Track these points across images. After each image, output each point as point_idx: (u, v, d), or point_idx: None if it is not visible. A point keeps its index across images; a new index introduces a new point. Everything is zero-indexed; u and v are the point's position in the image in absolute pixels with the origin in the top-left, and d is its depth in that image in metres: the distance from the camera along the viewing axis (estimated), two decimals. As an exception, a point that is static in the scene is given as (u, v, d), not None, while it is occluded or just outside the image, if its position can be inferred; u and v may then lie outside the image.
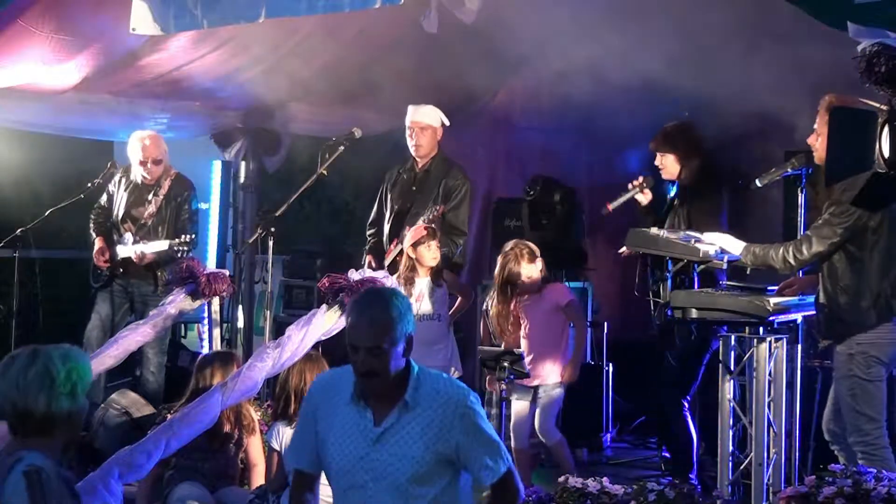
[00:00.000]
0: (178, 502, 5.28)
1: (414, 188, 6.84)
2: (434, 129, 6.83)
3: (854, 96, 4.71)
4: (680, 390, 5.96)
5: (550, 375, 6.06)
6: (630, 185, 6.16)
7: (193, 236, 7.07)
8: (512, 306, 6.12)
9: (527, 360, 5.88)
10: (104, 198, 7.49)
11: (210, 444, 5.42)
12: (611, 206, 6.12)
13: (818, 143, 4.94)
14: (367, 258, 6.91)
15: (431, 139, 6.84)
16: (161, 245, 7.04)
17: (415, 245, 6.26)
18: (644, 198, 6.17)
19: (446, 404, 3.45)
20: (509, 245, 6.17)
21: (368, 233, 7.07)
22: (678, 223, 6.01)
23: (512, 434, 6.06)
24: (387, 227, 6.86)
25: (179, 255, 6.96)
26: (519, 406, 6.12)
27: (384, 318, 3.42)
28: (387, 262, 6.61)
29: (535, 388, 6.08)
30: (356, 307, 3.50)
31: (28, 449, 3.30)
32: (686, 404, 5.97)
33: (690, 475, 5.74)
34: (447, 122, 6.90)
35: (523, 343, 6.13)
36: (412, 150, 6.86)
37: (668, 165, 6.13)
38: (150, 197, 7.29)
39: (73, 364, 3.36)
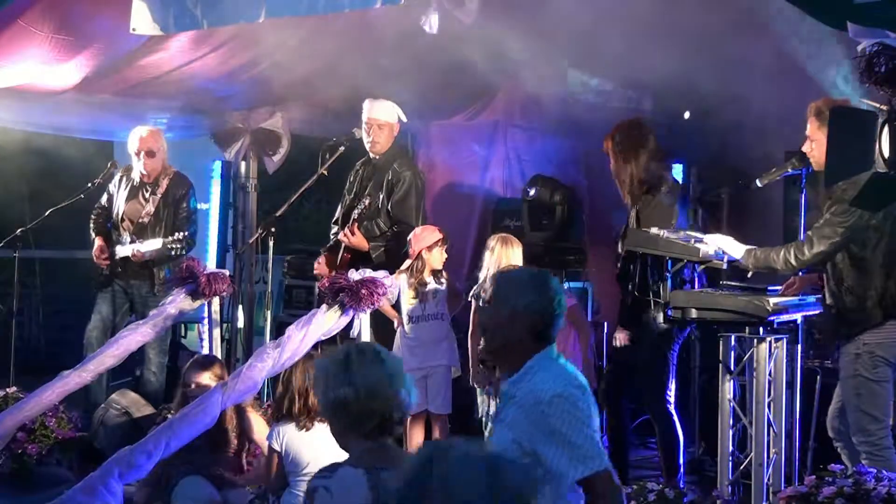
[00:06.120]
0: (189, 500, 5.25)
1: (368, 182, 6.88)
2: (391, 125, 6.84)
3: (843, 99, 4.71)
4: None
5: None
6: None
7: (186, 234, 7.06)
8: None
9: None
10: (104, 198, 7.48)
11: (211, 448, 5.40)
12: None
13: (814, 148, 4.92)
14: (322, 258, 6.89)
15: (388, 136, 6.86)
16: (155, 243, 7.03)
17: (430, 247, 6.31)
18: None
19: None
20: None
21: (332, 232, 7.04)
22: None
23: None
24: (339, 218, 6.90)
25: (174, 252, 6.96)
26: None
27: None
28: (404, 266, 6.53)
29: None
30: None
31: None
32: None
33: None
34: (404, 119, 6.93)
35: None
36: (367, 146, 6.87)
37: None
38: (147, 196, 7.28)
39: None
